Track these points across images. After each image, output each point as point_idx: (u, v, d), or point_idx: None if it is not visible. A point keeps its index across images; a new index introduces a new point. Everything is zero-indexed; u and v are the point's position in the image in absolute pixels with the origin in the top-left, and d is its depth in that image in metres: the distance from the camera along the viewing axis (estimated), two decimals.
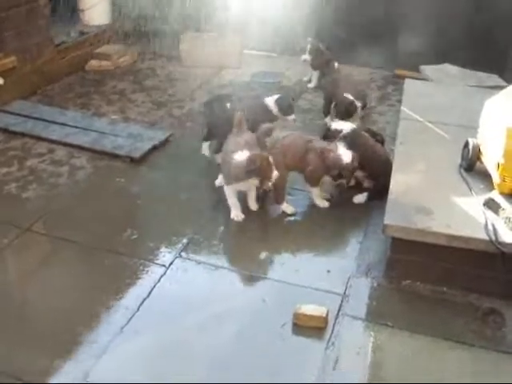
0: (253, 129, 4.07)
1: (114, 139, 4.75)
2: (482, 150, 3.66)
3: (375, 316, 3.20)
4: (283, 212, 3.99)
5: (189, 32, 6.31)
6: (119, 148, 4.61)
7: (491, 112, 3.60)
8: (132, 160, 4.51)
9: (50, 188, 4.21)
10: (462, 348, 3.02)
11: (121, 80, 5.96)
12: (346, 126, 4.22)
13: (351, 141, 4.07)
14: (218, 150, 4.34)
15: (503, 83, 5.32)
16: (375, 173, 4.12)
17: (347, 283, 3.40)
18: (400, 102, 5.35)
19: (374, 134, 4.40)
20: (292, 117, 4.58)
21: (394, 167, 3.82)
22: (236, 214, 3.90)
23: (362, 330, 3.11)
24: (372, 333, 3.10)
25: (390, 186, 3.62)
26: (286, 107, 4.51)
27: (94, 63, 6.18)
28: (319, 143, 4.04)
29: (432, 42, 5.93)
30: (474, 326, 3.15)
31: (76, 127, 4.93)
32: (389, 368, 2.94)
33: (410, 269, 3.40)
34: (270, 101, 4.51)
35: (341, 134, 4.12)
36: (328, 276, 3.46)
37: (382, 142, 4.43)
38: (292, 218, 3.96)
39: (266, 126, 4.07)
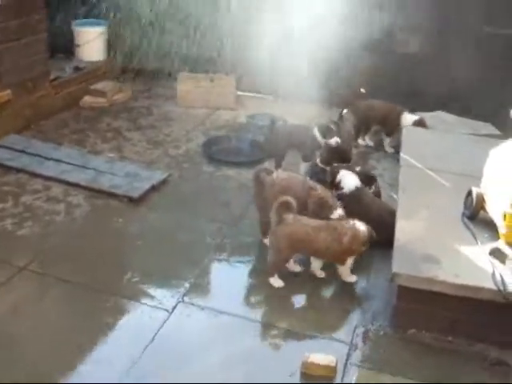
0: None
1: (112, 178, 4.69)
2: (485, 199, 3.69)
3: (383, 365, 3.16)
4: None
5: (185, 72, 6.32)
6: (117, 187, 4.56)
7: (496, 161, 3.64)
8: (130, 200, 4.45)
9: (46, 226, 4.13)
10: None
11: (116, 118, 5.92)
12: (348, 181, 4.16)
13: (355, 199, 4.07)
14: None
15: (497, 132, 5.42)
16: (379, 231, 3.77)
17: (354, 332, 3.36)
18: (395, 148, 5.50)
19: (367, 177, 4.41)
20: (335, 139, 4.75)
21: (398, 214, 3.82)
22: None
23: (370, 380, 3.07)
24: (381, 382, 3.05)
25: (396, 233, 3.62)
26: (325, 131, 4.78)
27: (88, 99, 6.14)
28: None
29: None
30: (481, 377, 3.13)
31: (72, 164, 4.87)
32: None
33: (415, 317, 3.37)
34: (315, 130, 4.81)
35: (344, 191, 4.11)
36: (334, 324, 3.42)
37: (379, 195, 4.45)
38: None
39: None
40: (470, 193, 3.81)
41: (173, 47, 6.61)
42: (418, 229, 3.70)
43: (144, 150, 5.31)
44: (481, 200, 3.71)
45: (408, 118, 5.47)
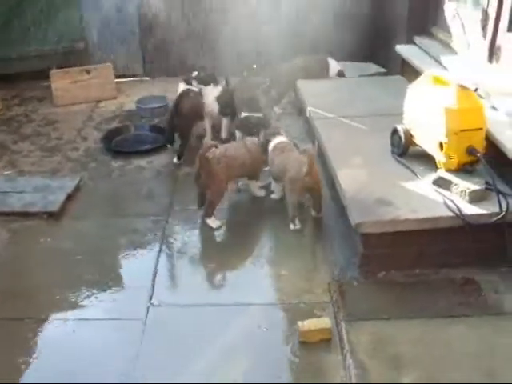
0: None
1: (21, 196, 4.28)
2: (413, 134, 3.83)
3: (369, 313, 3.22)
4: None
5: (56, 69, 5.88)
6: (31, 205, 4.17)
7: (418, 96, 3.77)
8: (50, 215, 4.11)
9: None
10: (459, 321, 3.12)
11: None
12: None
13: None
14: None
15: (382, 69, 5.64)
16: None
17: (329, 290, 3.39)
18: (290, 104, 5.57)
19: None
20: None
21: (335, 165, 3.88)
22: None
23: (364, 329, 3.11)
24: (375, 329, 3.11)
25: (341, 185, 3.67)
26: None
27: None
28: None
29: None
30: (456, 298, 3.29)
31: None
32: (409, 357, 2.93)
33: (382, 260, 3.46)
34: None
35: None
36: (309, 288, 3.42)
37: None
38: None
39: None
40: (395, 131, 3.94)
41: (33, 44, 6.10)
42: (358, 175, 3.78)
43: (40, 160, 4.90)
44: (409, 136, 3.85)
45: (333, 67, 5.46)
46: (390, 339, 3.06)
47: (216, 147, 3.92)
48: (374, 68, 5.67)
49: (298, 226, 3.85)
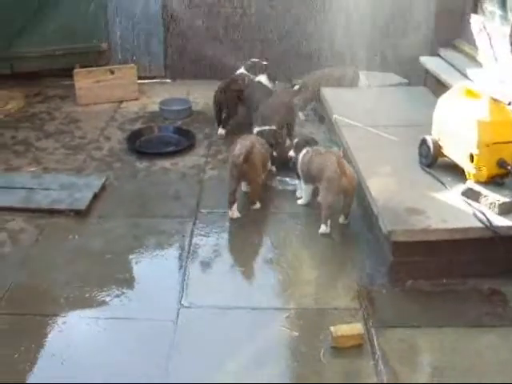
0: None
1: (47, 193, 4.31)
2: (442, 145, 3.87)
3: (398, 320, 3.25)
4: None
5: (80, 68, 5.91)
6: (58, 202, 4.20)
7: (449, 107, 3.81)
8: (77, 213, 4.13)
9: None
10: (489, 331, 3.17)
11: (18, 129, 5.41)
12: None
13: None
14: None
15: (404, 80, 5.68)
16: None
17: (358, 296, 3.42)
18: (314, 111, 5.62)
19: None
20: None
21: (365, 174, 3.91)
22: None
23: (395, 336, 3.14)
24: (405, 336, 3.14)
25: (371, 192, 3.71)
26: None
27: None
28: None
29: None
30: (483, 309, 3.32)
31: None
32: (440, 365, 2.96)
33: (410, 269, 3.49)
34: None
35: None
36: (338, 294, 3.45)
37: None
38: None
39: None
40: (424, 141, 3.98)
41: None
42: (387, 184, 3.82)
43: (65, 158, 4.93)
44: (437, 147, 3.89)
45: (362, 78, 5.55)
46: (421, 347, 3.10)
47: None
48: (396, 78, 5.71)
49: (328, 230, 3.88)
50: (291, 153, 4.23)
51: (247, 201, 4.23)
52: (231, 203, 4.06)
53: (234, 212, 4.06)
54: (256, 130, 4.58)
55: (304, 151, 4.11)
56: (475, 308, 3.34)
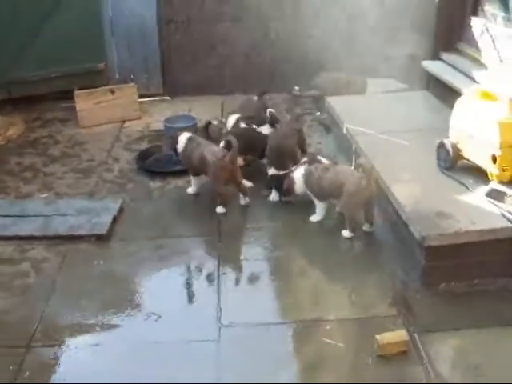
0: None
1: (65, 219, 4.25)
2: (461, 147, 3.92)
3: (438, 324, 3.28)
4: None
5: (78, 90, 5.85)
6: (78, 228, 4.15)
7: (466, 110, 3.86)
8: (98, 238, 4.08)
9: (23, 293, 3.59)
10: None
11: (22, 154, 5.34)
12: None
13: None
14: None
15: (404, 85, 5.74)
16: None
17: (395, 303, 3.43)
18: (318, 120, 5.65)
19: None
20: None
21: (387, 181, 3.94)
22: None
23: (438, 340, 3.17)
24: (448, 339, 3.18)
25: (397, 199, 3.73)
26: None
27: None
28: None
29: None
30: None
31: (8, 216, 4.32)
32: (487, 366, 2.99)
33: (443, 272, 3.52)
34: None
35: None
36: (374, 302, 3.46)
37: None
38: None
39: None
40: (442, 145, 4.02)
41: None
42: (412, 190, 3.85)
43: (76, 182, 4.87)
44: (456, 150, 3.94)
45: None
46: (465, 349, 3.13)
47: None
48: (396, 85, 5.76)
49: (352, 235, 3.94)
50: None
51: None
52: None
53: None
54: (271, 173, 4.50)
55: (302, 170, 4.13)
56: (509, 307, 3.39)
